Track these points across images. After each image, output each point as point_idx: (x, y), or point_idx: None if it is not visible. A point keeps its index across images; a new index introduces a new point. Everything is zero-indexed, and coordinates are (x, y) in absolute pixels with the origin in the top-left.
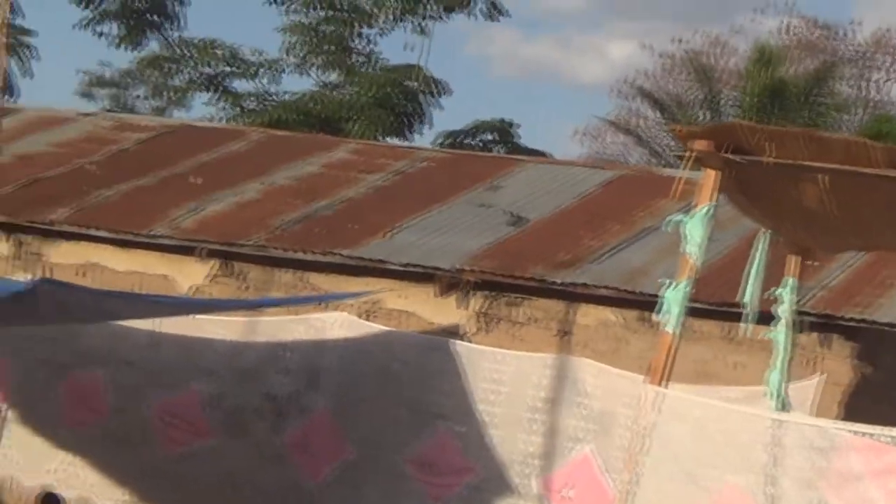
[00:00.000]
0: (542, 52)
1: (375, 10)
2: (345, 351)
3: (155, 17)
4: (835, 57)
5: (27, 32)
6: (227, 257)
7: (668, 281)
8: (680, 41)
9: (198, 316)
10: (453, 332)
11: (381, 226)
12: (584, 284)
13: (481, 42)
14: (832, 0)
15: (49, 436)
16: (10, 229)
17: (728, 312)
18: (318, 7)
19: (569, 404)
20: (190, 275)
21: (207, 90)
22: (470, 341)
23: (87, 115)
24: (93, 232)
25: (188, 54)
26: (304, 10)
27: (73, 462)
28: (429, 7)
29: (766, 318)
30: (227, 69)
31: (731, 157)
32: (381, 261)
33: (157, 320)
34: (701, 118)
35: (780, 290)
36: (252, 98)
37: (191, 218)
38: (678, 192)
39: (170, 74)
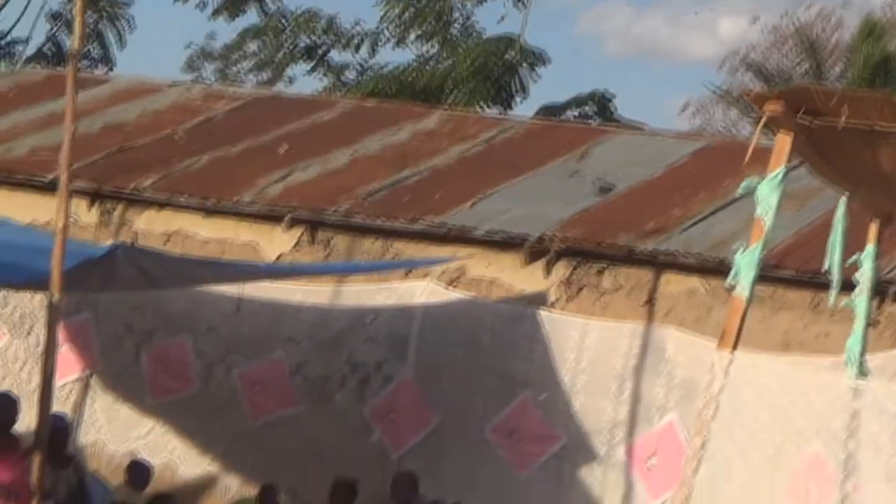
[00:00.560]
0: (653, 29)
1: None
2: (429, 319)
3: None
4: None
5: (124, 4)
6: (312, 225)
7: (740, 245)
8: (789, 15)
9: (282, 284)
10: (539, 300)
11: (467, 194)
12: (671, 253)
13: (594, 19)
14: None
15: (135, 402)
16: (96, 197)
17: (815, 282)
18: None
19: (653, 373)
20: (276, 243)
21: (306, 61)
22: (555, 310)
23: (177, 84)
24: (179, 199)
25: (287, 25)
26: None
27: (158, 429)
28: None
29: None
30: (326, 40)
31: (803, 119)
32: (466, 228)
33: (242, 288)
34: None
35: (859, 257)
36: (350, 69)
37: (277, 186)
38: (749, 157)
39: (270, 46)
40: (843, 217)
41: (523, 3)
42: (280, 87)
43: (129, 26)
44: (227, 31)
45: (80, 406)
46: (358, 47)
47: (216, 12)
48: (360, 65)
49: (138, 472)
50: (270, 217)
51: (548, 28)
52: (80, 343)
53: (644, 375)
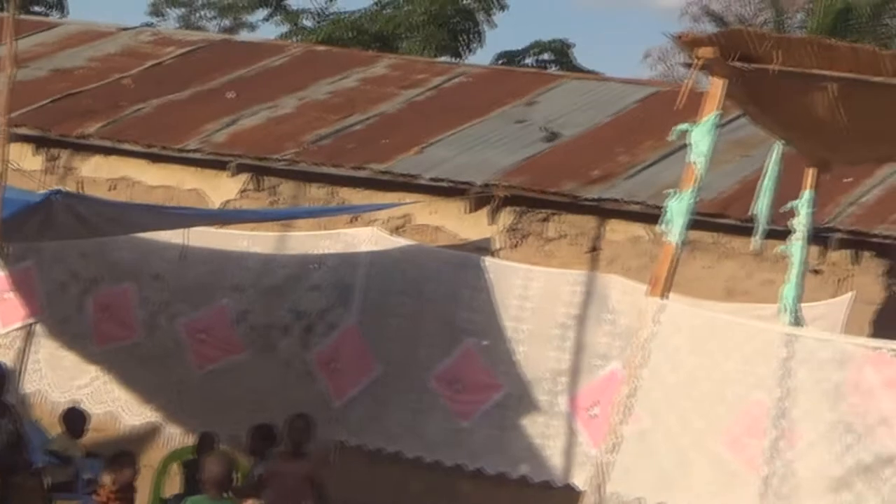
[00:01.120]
0: None
1: None
2: (374, 267)
3: None
4: None
5: None
6: (258, 172)
7: (672, 192)
8: None
9: (228, 230)
10: (483, 247)
11: (414, 141)
12: (615, 200)
13: None
14: None
15: (78, 351)
16: (42, 143)
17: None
18: None
19: (597, 321)
20: (221, 190)
21: (263, 7)
22: (499, 257)
23: (127, 29)
24: (124, 146)
25: None
26: None
27: (102, 378)
28: None
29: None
30: None
31: (736, 64)
32: (411, 175)
33: (186, 235)
34: None
35: (796, 203)
36: (307, 16)
37: (224, 132)
38: (682, 102)
39: None
40: (776, 163)
41: None
42: (243, 34)
43: None
44: None
45: (23, 354)
46: None
47: None
48: (319, 12)
49: (74, 420)
50: (216, 164)
51: None
52: (25, 290)
53: (587, 324)
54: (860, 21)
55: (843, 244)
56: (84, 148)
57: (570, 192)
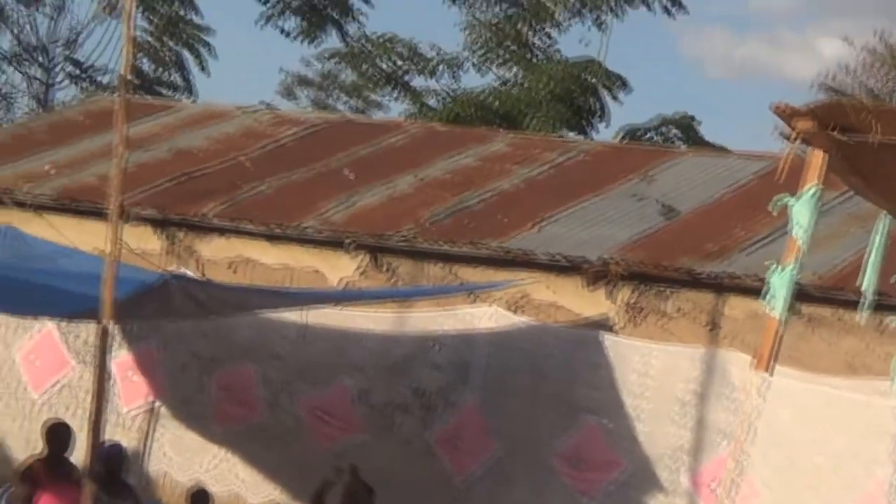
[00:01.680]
0: (753, 51)
1: (552, 6)
2: (493, 345)
3: (335, 13)
4: None
5: (205, 30)
6: (376, 251)
7: (773, 264)
8: (881, 35)
9: (346, 310)
10: (602, 324)
11: (531, 218)
12: (733, 275)
13: (694, 42)
14: None
15: (200, 431)
16: (162, 224)
17: (880, 303)
18: (500, 4)
19: (717, 397)
20: (340, 268)
21: (386, 87)
22: (618, 334)
23: (246, 110)
24: (243, 226)
25: (368, 50)
26: (486, 6)
27: (224, 458)
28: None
29: None
30: (406, 65)
31: (835, 135)
32: (528, 252)
33: (306, 315)
34: None
35: None
36: (431, 95)
37: (342, 211)
38: (783, 173)
39: (356, 72)
40: (883, 235)
41: (603, 28)
42: (374, 113)
43: (211, 54)
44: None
45: (146, 434)
46: (433, 72)
47: (300, 36)
48: (445, 91)
49: (200, 500)
50: (334, 243)
51: (646, 51)
52: (148, 371)
53: (708, 400)
54: None
55: None
56: (203, 228)
57: (686, 268)
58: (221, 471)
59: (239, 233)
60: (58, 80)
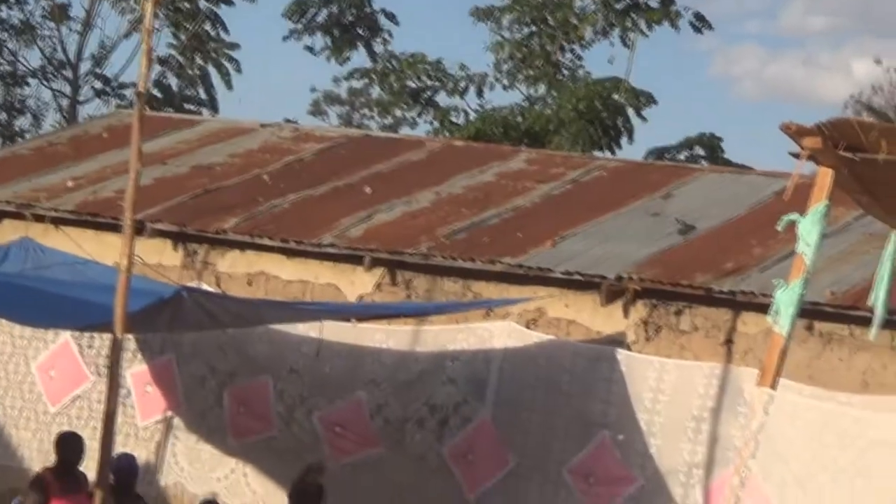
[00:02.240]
0: (785, 71)
1: (580, 25)
2: (508, 360)
3: (362, 31)
4: None
5: (231, 46)
6: (393, 266)
7: (780, 282)
8: None
9: (363, 325)
10: (617, 340)
11: (548, 234)
12: (749, 293)
13: (725, 62)
14: None
15: (216, 444)
16: (180, 238)
17: (892, 321)
18: (528, 23)
19: (732, 413)
20: (357, 284)
21: (413, 105)
22: (633, 350)
23: (267, 125)
24: (261, 241)
25: (394, 68)
26: (513, 25)
27: (239, 471)
28: (634, 18)
29: None
30: (432, 83)
31: (843, 153)
32: (544, 269)
33: (321, 329)
34: None
35: None
36: (458, 113)
37: (359, 227)
38: (790, 192)
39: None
40: (893, 253)
41: (630, 45)
42: (403, 131)
43: (237, 69)
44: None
45: (161, 447)
46: (460, 91)
47: (327, 53)
48: (473, 108)
49: None
50: (352, 258)
51: (676, 72)
52: (164, 383)
53: (722, 416)
54: None
55: None
56: (221, 243)
57: (703, 285)
58: (236, 483)
59: (257, 247)
60: (84, 95)
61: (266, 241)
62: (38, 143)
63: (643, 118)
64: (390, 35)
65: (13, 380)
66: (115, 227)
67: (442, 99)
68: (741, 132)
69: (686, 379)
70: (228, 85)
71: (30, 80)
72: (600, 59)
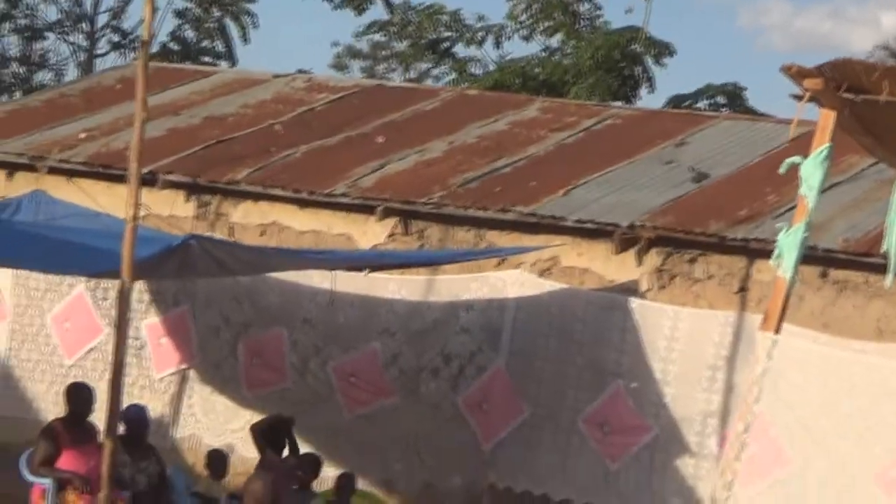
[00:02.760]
0: (813, 23)
1: None
2: (522, 309)
3: None
4: None
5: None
6: (406, 216)
7: (783, 225)
8: None
9: (374, 275)
10: (631, 289)
11: (561, 183)
12: (763, 240)
13: (753, 14)
14: None
15: (231, 396)
16: (193, 189)
17: None
18: None
19: (746, 362)
20: (370, 234)
21: (431, 56)
22: (647, 298)
23: (280, 76)
24: (273, 191)
25: (412, 19)
26: None
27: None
28: None
29: None
30: (450, 34)
31: (845, 95)
32: (557, 217)
33: (334, 280)
34: None
35: None
36: (474, 63)
37: (372, 177)
38: (793, 133)
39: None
40: None
41: None
42: (428, 83)
43: (254, 23)
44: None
45: (176, 399)
46: (481, 42)
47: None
48: (492, 59)
49: (215, 462)
50: (364, 208)
51: (705, 23)
52: (179, 335)
53: (736, 365)
54: None
55: None
56: (234, 194)
57: (717, 233)
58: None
59: (269, 198)
60: (102, 49)
61: (279, 192)
62: (50, 95)
63: (662, 65)
64: None
65: (28, 332)
66: (124, 179)
67: (460, 50)
68: (768, 84)
69: (701, 327)
70: (245, 39)
71: (48, 34)
72: (619, 8)
